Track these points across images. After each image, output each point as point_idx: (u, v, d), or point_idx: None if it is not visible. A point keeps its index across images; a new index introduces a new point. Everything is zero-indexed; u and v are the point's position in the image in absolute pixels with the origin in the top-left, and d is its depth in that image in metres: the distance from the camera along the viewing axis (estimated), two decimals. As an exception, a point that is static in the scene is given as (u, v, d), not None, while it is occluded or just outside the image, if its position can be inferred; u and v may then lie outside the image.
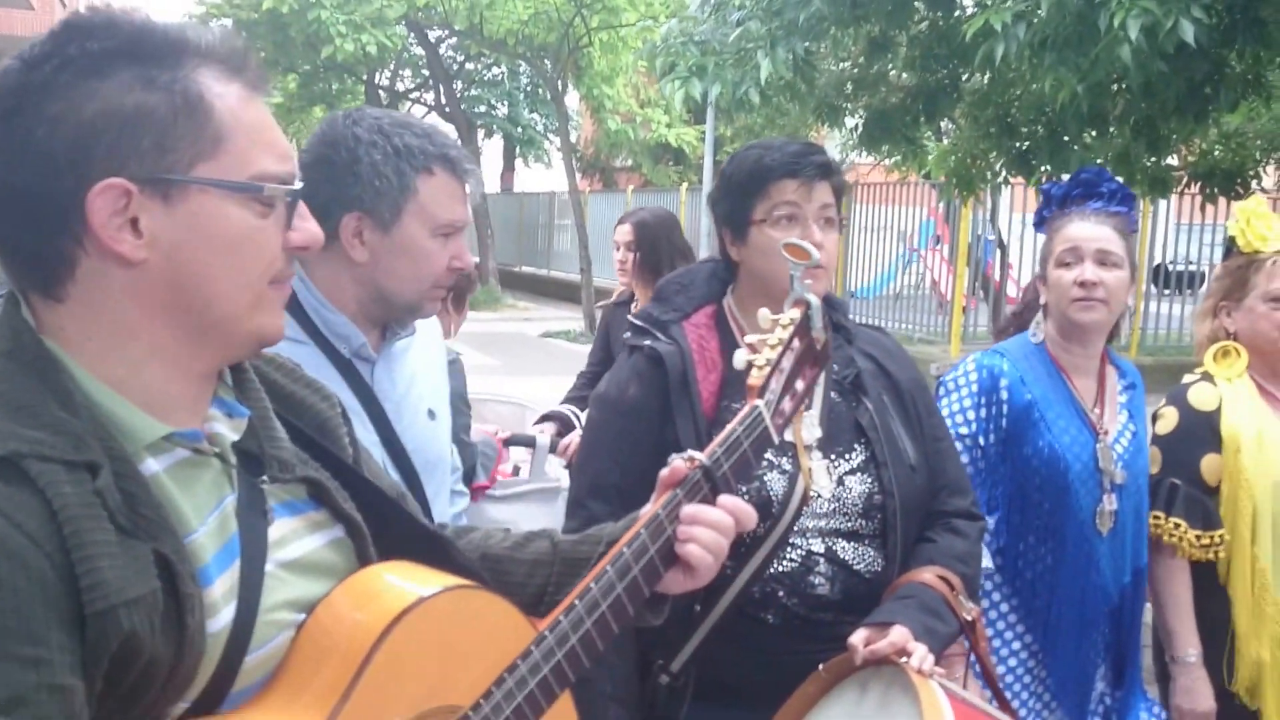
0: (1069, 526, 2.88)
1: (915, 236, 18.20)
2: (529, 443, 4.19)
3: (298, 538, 1.43)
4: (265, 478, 1.40)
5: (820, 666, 2.07)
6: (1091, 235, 2.91)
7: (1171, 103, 7.08)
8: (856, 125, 9.82)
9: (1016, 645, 2.94)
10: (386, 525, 1.54)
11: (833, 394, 2.37)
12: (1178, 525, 3.07)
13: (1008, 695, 2.83)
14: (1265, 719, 3.09)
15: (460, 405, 4.02)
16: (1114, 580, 2.94)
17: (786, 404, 1.78)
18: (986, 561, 2.85)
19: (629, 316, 2.53)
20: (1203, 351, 3.30)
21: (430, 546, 1.56)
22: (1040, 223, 3.11)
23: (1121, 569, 2.96)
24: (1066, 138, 8.38)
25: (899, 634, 2.04)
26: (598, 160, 30.60)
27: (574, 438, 4.60)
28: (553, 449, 4.30)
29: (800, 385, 1.80)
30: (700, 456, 1.67)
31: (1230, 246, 3.32)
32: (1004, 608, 2.95)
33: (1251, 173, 9.44)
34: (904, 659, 1.99)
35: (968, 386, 2.95)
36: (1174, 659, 3.11)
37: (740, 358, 1.79)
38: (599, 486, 2.32)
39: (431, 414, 2.44)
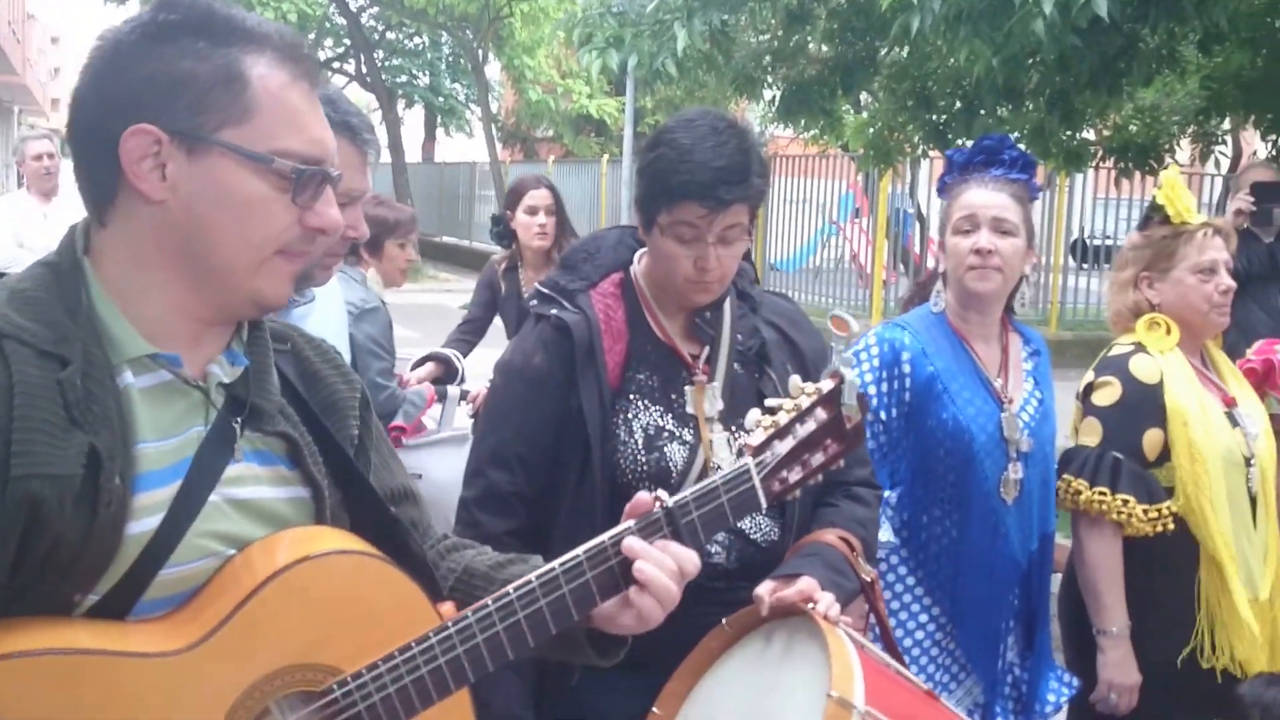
0: (974, 497, 2.86)
1: (835, 209, 18.24)
2: (441, 394, 4.60)
3: (258, 483, 1.52)
4: (239, 419, 1.51)
5: (724, 621, 2.07)
6: (988, 202, 2.87)
7: (1085, 76, 7.10)
8: (774, 98, 9.76)
9: (924, 618, 2.91)
10: (355, 505, 1.61)
11: (735, 365, 2.35)
12: (1125, 501, 3.02)
13: (914, 669, 2.82)
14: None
15: (380, 351, 4.25)
16: (1022, 548, 2.93)
17: (793, 474, 1.74)
18: (888, 535, 2.84)
19: (536, 284, 2.47)
20: (1120, 322, 3.27)
21: (389, 534, 1.60)
22: (943, 189, 3.06)
23: (1029, 536, 2.94)
24: (983, 111, 8.37)
25: (806, 583, 2.05)
26: (519, 131, 30.40)
27: (484, 389, 4.92)
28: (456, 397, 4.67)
29: (818, 459, 1.76)
30: (665, 497, 1.65)
31: (1149, 217, 3.27)
32: (910, 580, 2.92)
33: (1166, 147, 9.51)
34: (810, 606, 1.99)
35: (869, 361, 2.89)
36: (1102, 632, 3.08)
37: (753, 416, 1.77)
38: (501, 456, 2.29)
39: None
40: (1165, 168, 10.40)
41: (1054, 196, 15.44)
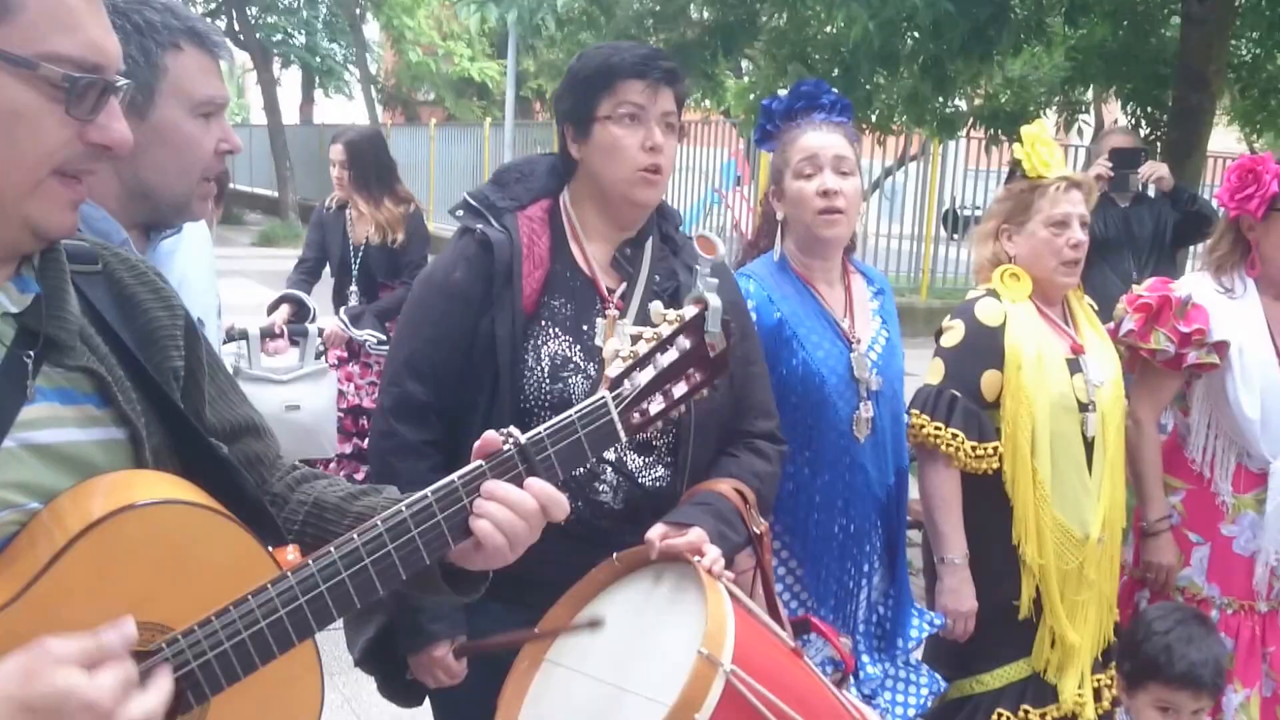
0: (828, 438, 2.90)
1: (718, 178, 18.32)
2: (303, 333, 5.00)
3: (60, 425, 1.37)
4: (32, 353, 1.35)
5: (614, 555, 2.10)
6: (827, 143, 2.89)
7: (957, 42, 7.25)
8: (656, 59, 9.77)
9: (792, 563, 2.96)
10: (180, 445, 1.48)
11: (650, 304, 2.36)
12: (955, 436, 3.13)
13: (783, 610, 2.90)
14: (1053, 624, 3.17)
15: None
16: (880, 482, 2.99)
17: (654, 404, 1.69)
18: None
19: (466, 194, 2.46)
20: (983, 273, 3.36)
21: (221, 476, 1.49)
22: (763, 138, 3.07)
23: (885, 471, 3.01)
24: (861, 78, 8.48)
25: (696, 534, 2.07)
26: (400, 93, 29.92)
27: (335, 326, 5.80)
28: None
29: (681, 388, 1.71)
30: (517, 434, 1.60)
31: (1012, 171, 3.37)
32: (776, 526, 2.92)
33: (1033, 116, 9.75)
34: (697, 559, 2.01)
35: None
36: (942, 560, 3.20)
37: (611, 347, 1.76)
38: (415, 366, 2.31)
39: (200, 323, 2.33)
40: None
41: (926, 166, 15.74)
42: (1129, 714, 2.94)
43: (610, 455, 2.24)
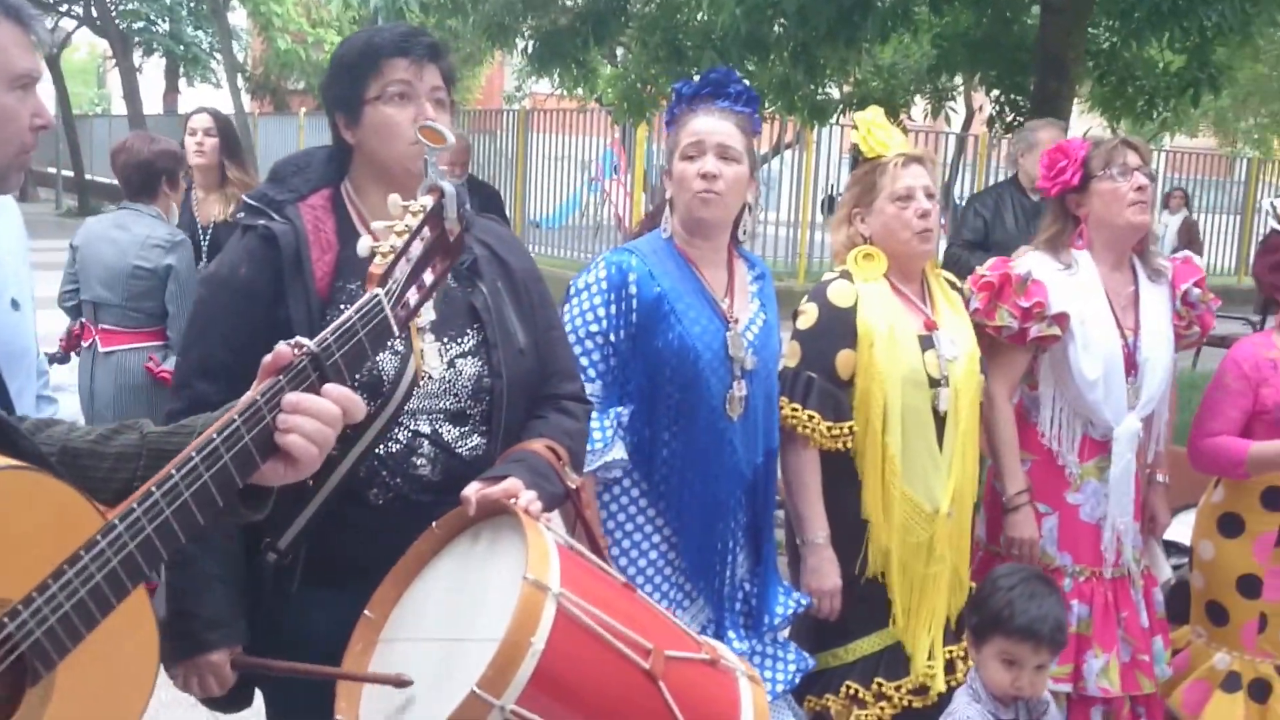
0: (700, 413, 2.94)
1: (597, 166, 18.35)
2: None
3: None
4: None
5: (434, 524, 2.09)
6: (713, 129, 2.95)
7: (824, 28, 7.34)
8: (526, 46, 9.73)
9: (656, 538, 2.98)
10: None
11: (448, 279, 2.35)
12: (811, 417, 3.18)
13: (649, 588, 2.93)
14: (893, 600, 3.25)
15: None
16: (748, 461, 3.03)
17: (412, 295, 1.71)
18: (621, 453, 2.90)
19: (244, 197, 2.45)
20: (840, 256, 3.42)
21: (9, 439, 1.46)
22: (671, 120, 3.12)
23: (754, 450, 3.04)
24: (731, 64, 8.54)
25: (511, 482, 2.08)
26: (268, 81, 29.32)
27: None
28: None
29: (429, 277, 1.73)
30: (307, 343, 1.59)
31: (855, 158, 3.43)
32: (642, 502, 2.98)
33: (901, 102, 9.96)
34: (513, 501, 2.02)
35: (597, 284, 2.94)
36: (804, 541, 3.24)
37: (364, 244, 1.73)
38: (207, 367, 2.25)
39: (15, 304, 2.31)
40: (899, 123, 10.91)
41: (803, 153, 15.94)
42: (976, 669, 2.99)
43: (425, 428, 2.24)
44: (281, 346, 1.58)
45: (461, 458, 2.25)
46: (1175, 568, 3.97)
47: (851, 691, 3.20)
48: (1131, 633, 3.49)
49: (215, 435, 1.48)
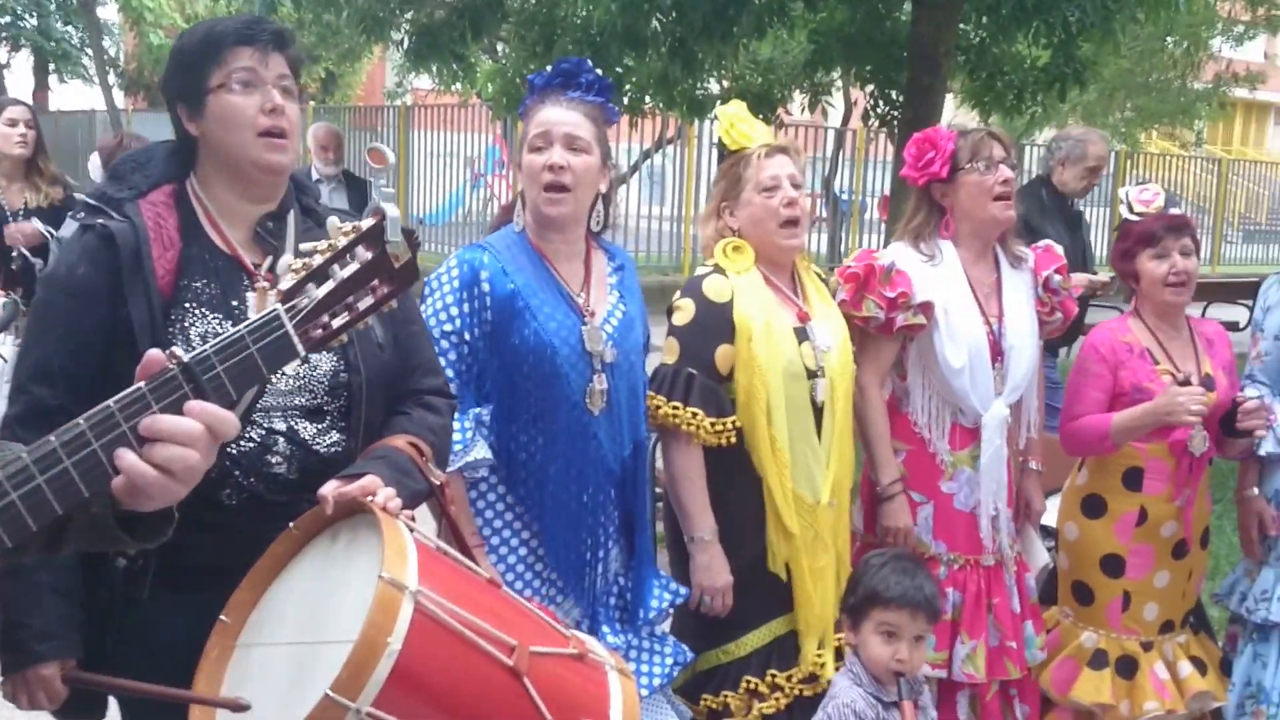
0: (560, 409, 2.91)
1: (480, 161, 18.23)
2: None
3: None
4: None
5: (291, 524, 2.05)
6: (560, 119, 2.92)
7: (700, 23, 7.37)
8: (403, 40, 9.61)
9: (525, 534, 2.96)
10: None
11: (328, 219, 2.32)
12: (694, 414, 3.17)
13: (519, 585, 2.91)
14: (796, 588, 3.26)
15: None
16: (615, 455, 3.01)
17: (338, 318, 1.62)
18: (484, 452, 2.87)
19: (82, 196, 2.39)
20: (709, 250, 3.42)
21: None
22: (524, 112, 3.08)
23: (621, 444, 3.03)
24: (610, 60, 8.54)
25: (369, 480, 2.05)
26: (142, 77, 28.55)
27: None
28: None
29: (367, 301, 1.64)
30: (180, 353, 1.50)
31: (721, 153, 3.44)
32: (509, 499, 2.96)
33: (779, 97, 10.04)
34: (370, 499, 1.99)
35: (450, 283, 2.91)
36: (692, 539, 3.24)
37: (284, 261, 1.67)
38: (45, 370, 2.17)
39: None
40: (778, 118, 11.02)
41: (684, 148, 16.00)
42: (856, 653, 3.03)
43: (280, 425, 2.19)
44: (153, 352, 1.50)
45: (319, 455, 2.21)
46: (1050, 551, 4.07)
47: (750, 686, 3.21)
48: (1001, 619, 3.56)
49: (54, 439, 1.41)
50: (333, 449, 2.23)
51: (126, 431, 1.44)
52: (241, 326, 1.55)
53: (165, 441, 1.45)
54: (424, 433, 2.30)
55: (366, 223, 1.67)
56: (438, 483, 2.25)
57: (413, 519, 2.03)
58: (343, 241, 1.64)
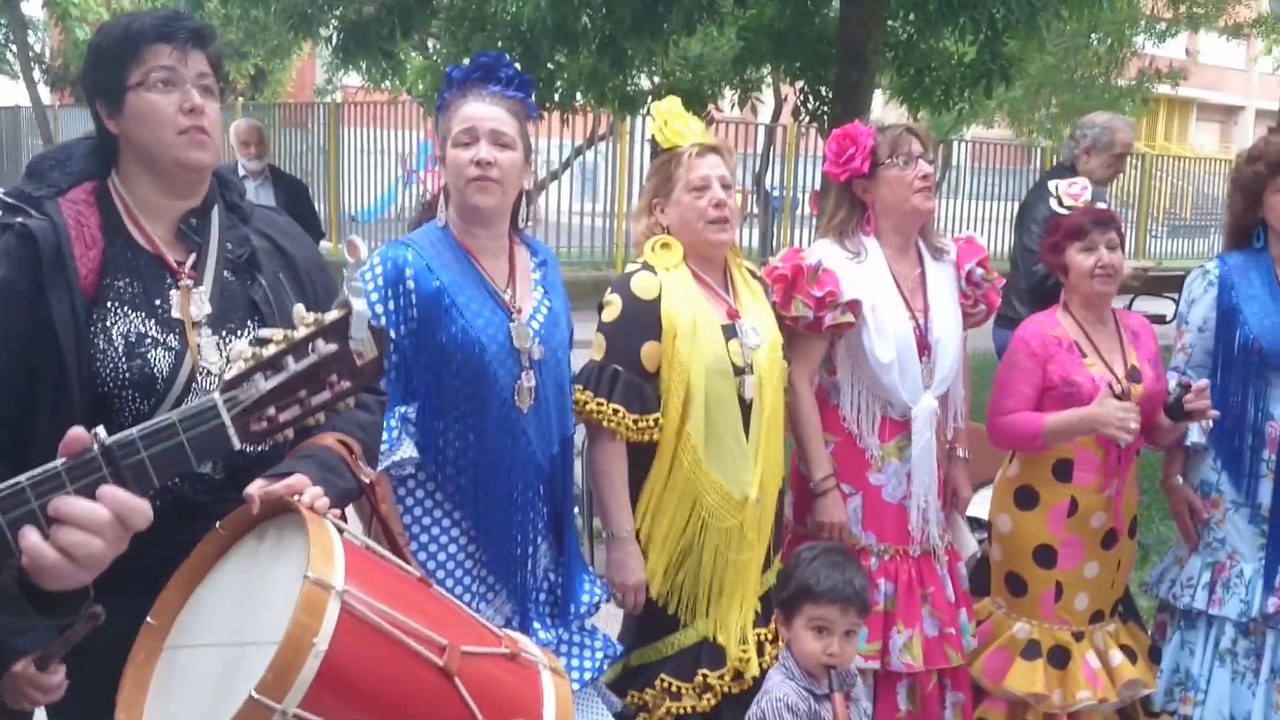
0: (490, 406, 2.90)
1: (413, 158, 18.12)
2: None
3: None
4: None
5: (218, 524, 2.01)
6: (486, 115, 2.90)
7: (629, 20, 7.37)
8: (332, 37, 9.51)
9: (455, 532, 2.94)
10: None
11: (225, 272, 2.30)
12: (616, 410, 3.18)
13: (449, 583, 2.89)
14: (713, 586, 3.24)
15: None
16: (543, 453, 3.01)
17: (287, 412, 1.58)
18: (411, 451, 2.85)
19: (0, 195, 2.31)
20: (640, 247, 3.43)
21: None
22: (442, 105, 3.05)
23: (549, 440, 3.03)
24: (540, 57, 8.51)
25: (296, 478, 2.02)
26: (68, 73, 28.08)
27: None
28: None
29: (323, 396, 1.61)
30: (102, 434, 1.46)
31: (654, 150, 3.44)
32: (438, 496, 2.94)
33: (710, 93, 10.06)
34: (296, 498, 1.96)
35: (374, 280, 2.88)
36: (610, 535, 3.25)
37: (238, 348, 1.62)
38: None
39: None
40: (708, 114, 11.05)
41: (616, 144, 16.00)
42: (788, 647, 3.03)
43: None
44: (76, 431, 1.45)
45: (246, 454, 2.15)
46: (980, 541, 4.10)
47: (665, 684, 3.21)
48: (938, 608, 3.59)
49: None
50: (260, 448, 2.18)
51: (36, 510, 1.41)
52: (175, 414, 1.51)
53: (72, 526, 1.41)
54: (353, 430, 2.28)
55: (330, 315, 1.63)
56: (368, 481, 2.23)
57: (342, 518, 2.01)
58: (302, 333, 1.60)
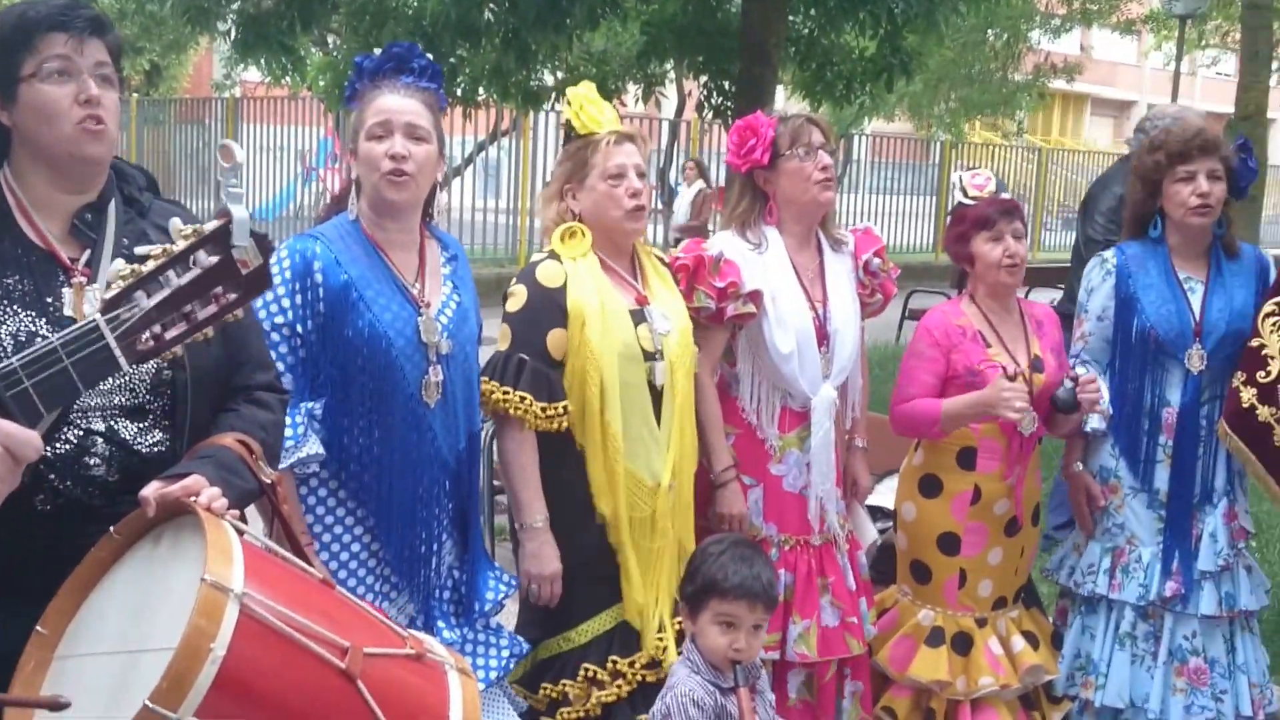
0: (396, 401, 2.86)
1: (313, 155, 17.90)
2: None
3: None
4: None
5: (112, 529, 1.96)
6: (400, 108, 2.87)
7: (533, 14, 7.34)
8: (230, 31, 9.34)
9: (359, 530, 2.90)
10: None
11: (171, 220, 2.21)
12: (524, 398, 3.15)
13: (352, 582, 2.85)
14: (625, 576, 3.24)
15: None
16: (450, 448, 2.97)
17: (174, 329, 1.54)
18: (317, 447, 2.80)
19: None
20: (549, 233, 3.40)
21: None
22: (352, 96, 3.01)
23: (456, 436, 2.99)
24: (443, 51, 8.44)
25: (192, 480, 1.98)
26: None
27: None
28: None
29: (209, 310, 1.57)
30: None
31: (568, 134, 3.41)
32: (342, 494, 2.89)
33: (614, 88, 10.07)
34: (193, 500, 1.91)
35: (280, 274, 2.82)
36: (522, 525, 3.22)
37: (115, 267, 1.58)
38: None
39: None
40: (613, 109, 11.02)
41: (520, 140, 15.94)
42: (693, 640, 3.02)
43: (99, 425, 2.10)
44: None
45: (141, 455, 2.12)
46: (881, 531, 4.14)
47: (589, 674, 3.18)
48: (839, 597, 3.60)
49: None
50: (155, 449, 2.14)
51: None
52: (55, 338, 1.47)
53: None
54: (253, 430, 2.23)
55: (210, 225, 1.59)
56: (268, 481, 2.18)
57: (241, 519, 1.96)
58: (181, 245, 1.56)
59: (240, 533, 1.84)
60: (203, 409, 2.21)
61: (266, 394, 2.34)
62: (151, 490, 1.93)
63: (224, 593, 1.66)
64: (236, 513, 1.98)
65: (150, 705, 1.57)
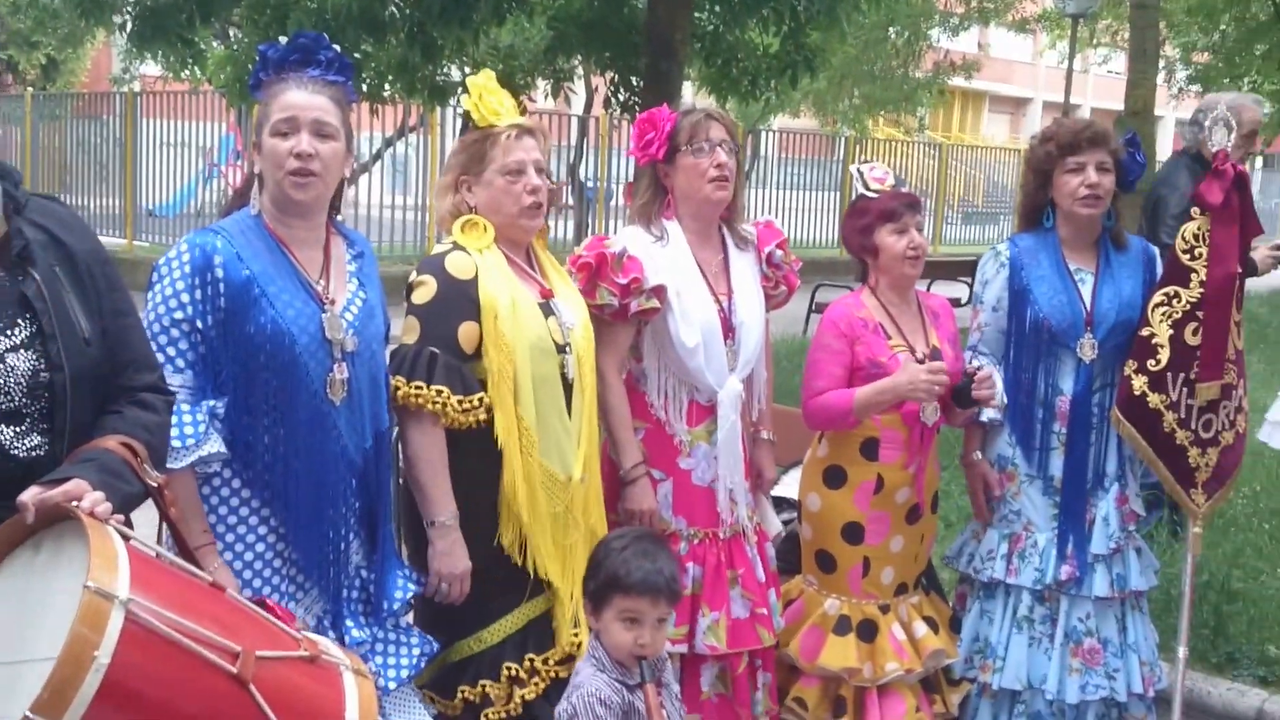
0: (300, 399, 2.80)
1: (215, 151, 17.55)
2: None
3: None
4: None
5: None
6: (308, 104, 2.75)
7: (437, 9, 7.28)
8: (126, 23, 9.14)
9: (263, 530, 2.83)
10: None
11: None
12: (440, 392, 3.09)
13: (258, 582, 2.80)
14: (541, 571, 3.21)
15: None
16: (356, 447, 2.92)
17: None
18: (219, 446, 2.73)
19: None
20: (445, 224, 3.35)
21: None
22: (257, 86, 2.90)
23: (362, 434, 2.94)
24: (347, 46, 8.33)
25: (74, 484, 1.94)
26: None
27: None
28: None
29: None
30: None
31: (465, 124, 3.36)
32: (245, 493, 2.82)
33: (522, 84, 10.03)
34: (75, 504, 1.88)
35: (180, 268, 2.74)
36: (432, 523, 3.16)
37: None
38: None
39: None
40: (522, 106, 10.99)
41: (427, 135, 15.79)
42: (597, 637, 3.01)
43: None
44: None
45: (18, 460, 2.08)
46: (786, 522, 4.17)
47: (511, 672, 3.16)
48: (748, 588, 3.63)
49: None
50: (34, 453, 2.10)
51: None
52: None
53: None
54: (138, 432, 2.19)
55: None
56: (154, 484, 2.14)
57: (127, 523, 1.92)
58: None
59: (126, 538, 1.81)
60: (84, 411, 2.16)
61: (151, 395, 2.30)
62: (30, 495, 1.89)
63: (108, 599, 1.63)
64: (121, 517, 1.94)
65: (31, 716, 1.54)
